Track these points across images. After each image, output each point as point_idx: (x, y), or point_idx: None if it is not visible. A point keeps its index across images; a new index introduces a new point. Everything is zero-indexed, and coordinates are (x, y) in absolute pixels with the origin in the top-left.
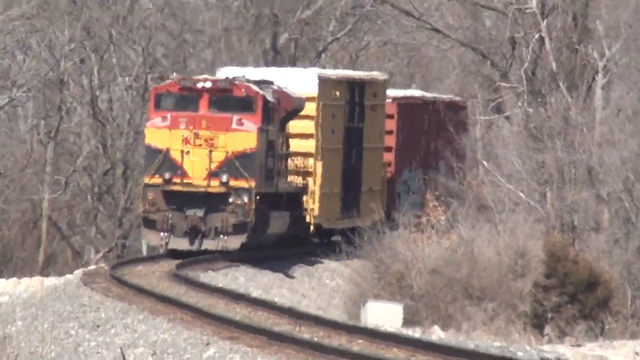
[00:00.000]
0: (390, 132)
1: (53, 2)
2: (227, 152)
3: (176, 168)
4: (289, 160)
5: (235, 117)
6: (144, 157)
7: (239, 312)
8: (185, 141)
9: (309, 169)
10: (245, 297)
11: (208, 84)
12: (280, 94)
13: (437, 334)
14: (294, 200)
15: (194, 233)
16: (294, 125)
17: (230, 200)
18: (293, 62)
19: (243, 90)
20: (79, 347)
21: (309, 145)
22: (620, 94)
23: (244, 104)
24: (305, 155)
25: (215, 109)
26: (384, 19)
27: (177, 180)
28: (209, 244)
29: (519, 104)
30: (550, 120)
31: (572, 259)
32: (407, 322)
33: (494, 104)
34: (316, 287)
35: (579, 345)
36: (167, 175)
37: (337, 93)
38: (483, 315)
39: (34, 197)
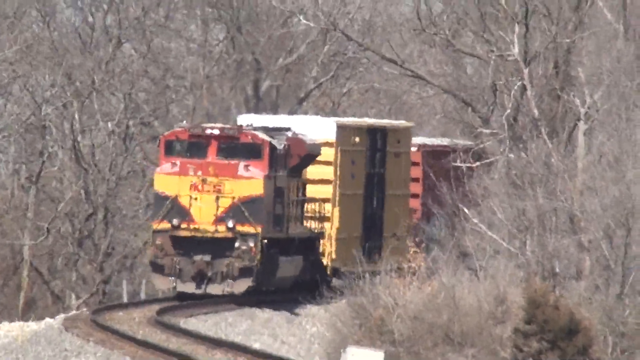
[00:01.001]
0: (416, 179)
1: (35, 47)
2: (234, 198)
3: (184, 214)
4: (307, 205)
5: (242, 164)
6: (153, 203)
7: (219, 358)
8: (194, 187)
9: (327, 214)
10: (225, 343)
11: (216, 131)
12: (293, 141)
13: None
14: (310, 244)
15: (200, 277)
16: (312, 171)
17: (236, 245)
18: (275, 109)
19: (250, 137)
20: None
21: (327, 191)
22: (602, 141)
23: (251, 151)
24: (324, 200)
25: (223, 156)
26: (366, 66)
27: (185, 225)
28: (214, 289)
29: (501, 150)
30: (531, 166)
31: (552, 305)
32: None
33: (474, 149)
34: (296, 333)
35: None
36: (175, 221)
37: (357, 139)
38: None
39: (14, 243)
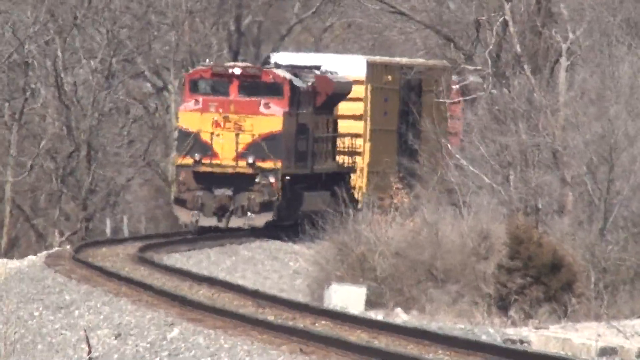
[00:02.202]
0: (456, 117)
1: None
2: (254, 135)
3: (206, 149)
4: (339, 141)
5: (263, 101)
6: (176, 139)
7: (202, 294)
8: (215, 124)
9: (358, 149)
10: (209, 279)
11: (238, 70)
12: (320, 79)
13: (400, 316)
14: (340, 179)
15: (222, 211)
16: (344, 108)
17: (257, 180)
18: (257, 45)
19: (271, 76)
20: (43, 328)
21: (359, 127)
22: (584, 77)
23: (272, 89)
24: (355, 136)
25: (245, 93)
26: (347, 1)
27: (207, 161)
28: (236, 222)
29: (484, 86)
30: (514, 102)
31: (535, 241)
32: (371, 304)
33: (457, 86)
34: (279, 270)
35: (542, 328)
36: (197, 157)
37: (389, 77)
38: (446, 298)
39: None
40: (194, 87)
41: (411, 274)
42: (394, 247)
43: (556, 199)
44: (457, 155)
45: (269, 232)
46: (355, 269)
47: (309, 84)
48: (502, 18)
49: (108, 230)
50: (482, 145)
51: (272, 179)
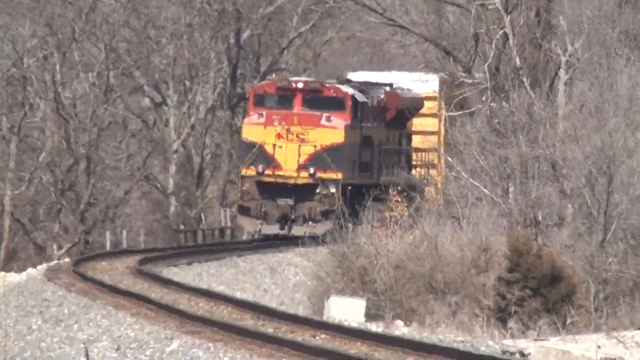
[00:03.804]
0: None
1: None
2: (315, 146)
3: (269, 161)
4: (415, 154)
5: (325, 115)
6: (240, 151)
7: (202, 307)
8: (278, 136)
9: (434, 163)
10: (208, 293)
11: (301, 85)
12: (389, 94)
13: (400, 329)
14: (413, 191)
15: (284, 220)
16: (418, 123)
17: (318, 190)
18: (256, 58)
19: (332, 90)
20: (42, 342)
21: (433, 140)
22: (583, 90)
23: (334, 103)
24: (430, 150)
25: (307, 107)
26: (346, 15)
27: (270, 172)
28: (297, 230)
29: (483, 99)
30: (513, 115)
31: (535, 253)
32: (371, 316)
33: (457, 99)
34: (279, 283)
35: (542, 339)
36: (260, 167)
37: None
38: (446, 310)
39: None
40: (259, 101)
41: (411, 286)
42: (394, 259)
43: (556, 211)
44: (458, 167)
45: (268, 245)
46: (355, 282)
47: (378, 98)
48: (501, 31)
49: (107, 244)
50: (481, 157)
51: (332, 189)
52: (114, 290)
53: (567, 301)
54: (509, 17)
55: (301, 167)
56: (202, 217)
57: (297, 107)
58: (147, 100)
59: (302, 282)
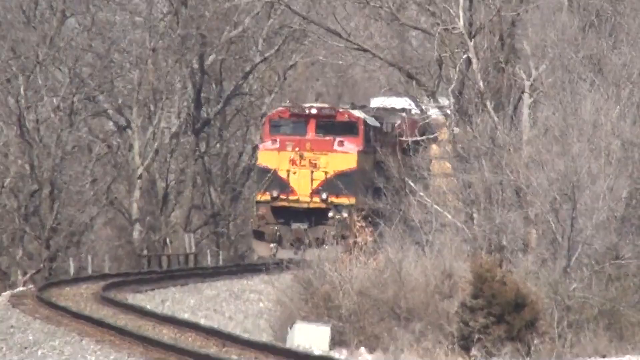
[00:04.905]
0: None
1: None
2: (328, 172)
3: (284, 186)
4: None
5: (337, 140)
6: (256, 176)
7: (166, 334)
8: (292, 162)
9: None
10: (172, 319)
11: (314, 111)
12: (407, 121)
13: (363, 356)
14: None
15: (298, 244)
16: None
17: (330, 214)
18: (220, 83)
19: (346, 116)
20: None
21: (447, 166)
22: (547, 114)
23: (347, 128)
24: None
25: (321, 132)
26: (311, 39)
27: (284, 197)
28: (311, 254)
29: (446, 124)
30: (477, 140)
31: (499, 279)
32: (335, 343)
33: (420, 124)
34: (243, 309)
35: None
36: (275, 193)
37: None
38: (410, 336)
39: None
40: (273, 128)
41: (375, 313)
42: (358, 285)
43: (520, 237)
44: (421, 193)
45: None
46: (319, 308)
47: (393, 124)
48: (465, 55)
49: (71, 270)
50: (444, 183)
51: (345, 214)
52: (79, 316)
53: (531, 328)
54: (472, 41)
55: (314, 192)
56: (167, 242)
57: (311, 133)
58: (111, 124)
59: (267, 308)
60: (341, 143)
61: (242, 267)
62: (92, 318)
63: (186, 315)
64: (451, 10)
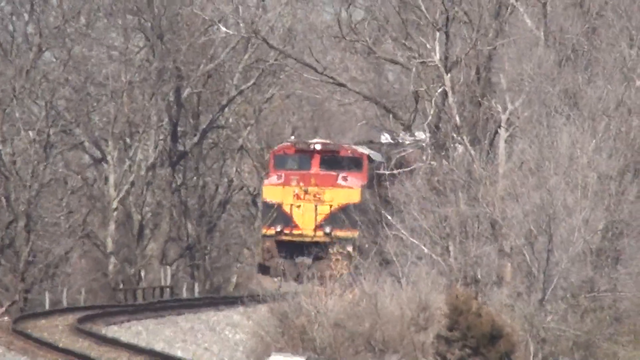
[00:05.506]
0: None
1: None
2: (332, 206)
3: (288, 220)
4: None
5: (341, 175)
6: (261, 211)
7: None
8: (296, 196)
9: None
10: (148, 351)
11: (318, 146)
12: (412, 154)
13: None
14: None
15: (302, 278)
16: None
17: (331, 250)
18: (196, 116)
19: (349, 151)
20: None
21: None
22: (523, 147)
23: (351, 163)
24: None
25: (325, 167)
26: (287, 73)
27: (288, 231)
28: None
29: (423, 157)
30: (453, 173)
31: (474, 312)
32: None
33: (397, 157)
34: (219, 341)
35: None
36: (279, 227)
37: None
38: None
39: None
40: (278, 163)
41: (350, 345)
42: (333, 318)
43: (495, 270)
44: (397, 226)
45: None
46: (295, 340)
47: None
48: (441, 89)
49: (47, 302)
50: (421, 216)
51: (348, 248)
52: (54, 348)
53: None
54: (448, 75)
55: (318, 226)
56: (142, 274)
57: (315, 168)
58: (87, 157)
59: (243, 340)
60: (345, 178)
61: (218, 300)
62: (67, 350)
63: (162, 347)
64: (427, 44)
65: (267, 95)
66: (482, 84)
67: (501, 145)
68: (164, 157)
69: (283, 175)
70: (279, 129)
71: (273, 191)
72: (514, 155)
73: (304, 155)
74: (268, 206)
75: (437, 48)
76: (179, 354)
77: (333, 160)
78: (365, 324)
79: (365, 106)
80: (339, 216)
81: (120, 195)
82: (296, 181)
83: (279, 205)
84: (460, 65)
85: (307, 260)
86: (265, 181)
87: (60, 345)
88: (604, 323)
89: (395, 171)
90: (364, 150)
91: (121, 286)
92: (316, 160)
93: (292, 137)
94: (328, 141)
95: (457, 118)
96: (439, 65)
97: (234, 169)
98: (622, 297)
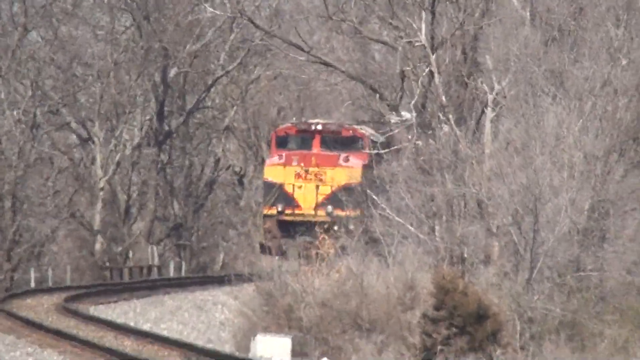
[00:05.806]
0: None
1: None
2: (333, 186)
3: (289, 200)
4: None
5: (343, 155)
6: (263, 191)
7: (128, 345)
8: (297, 176)
9: None
10: (134, 330)
11: (320, 127)
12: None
13: None
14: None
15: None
16: None
17: (335, 228)
18: (183, 96)
19: (350, 131)
20: None
21: None
22: (509, 127)
23: (352, 143)
24: None
25: (325, 148)
26: (273, 53)
27: (290, 211)
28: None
29: (409, 137)
30: (439, 153)
31: (461, 291)
32: (297, 354)
33: (383, 137)
34: (205, 321)
35: None
36: (280, 207)
37: None
38: (372, 347)
39: None
40: (280, 143)
41: (337, 324)
42: (320, 297)
43: (482, 249)
44: (383, 205)
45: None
46: (281, 319)
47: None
48: (427, 69)
49: (32, 281)
50: (407, 195)
51: (350, 227)
52: (40, 327)
53: (493, 340)
54: (435, 55)
55: (319, 206)
56: (129, 254)
57: (316, 148)
58: (73, 137)
59: (229, 320)
60: (346, 158)
61: (204, 279)
62: (53, 329)
63: (148, 326)
64: (414, 24)
65: (253, 75)
66: (469, 64)
67: (487, 125)
68: (150, 137)
69: (284, 155)
70: (265, 109)
71: (274, 171)
72: (500, 135)
73: (305, 135)
74: (269, 186)
75: (424, 28)
76: (165, 333)
77: (334, 141)
78: (352, 303)
79: (351, 86)
80: (341, 196)
81: (107, 175)
82: (297, 161)
83: (281, 185)
84: (446, 45)
85: (309, 240)
86: (267, 161)
87: (47, 324)
88: (590, 302)
89: (382, 151)
90: (365, 130)
91: (108, 265)
92: (317, 140)
93: (294, 119)
94: (330, 121)
95: (443, 98)
96: (426, 45)
97: (220, 149)
98: (608, 277)
